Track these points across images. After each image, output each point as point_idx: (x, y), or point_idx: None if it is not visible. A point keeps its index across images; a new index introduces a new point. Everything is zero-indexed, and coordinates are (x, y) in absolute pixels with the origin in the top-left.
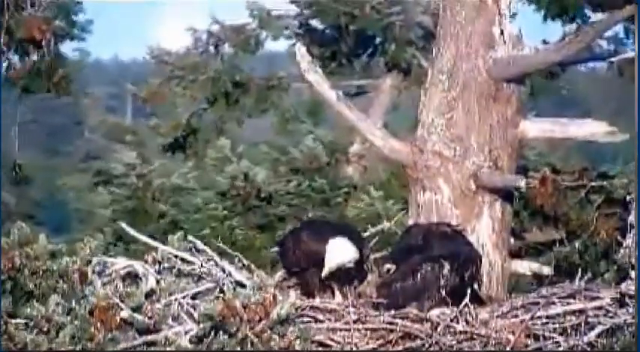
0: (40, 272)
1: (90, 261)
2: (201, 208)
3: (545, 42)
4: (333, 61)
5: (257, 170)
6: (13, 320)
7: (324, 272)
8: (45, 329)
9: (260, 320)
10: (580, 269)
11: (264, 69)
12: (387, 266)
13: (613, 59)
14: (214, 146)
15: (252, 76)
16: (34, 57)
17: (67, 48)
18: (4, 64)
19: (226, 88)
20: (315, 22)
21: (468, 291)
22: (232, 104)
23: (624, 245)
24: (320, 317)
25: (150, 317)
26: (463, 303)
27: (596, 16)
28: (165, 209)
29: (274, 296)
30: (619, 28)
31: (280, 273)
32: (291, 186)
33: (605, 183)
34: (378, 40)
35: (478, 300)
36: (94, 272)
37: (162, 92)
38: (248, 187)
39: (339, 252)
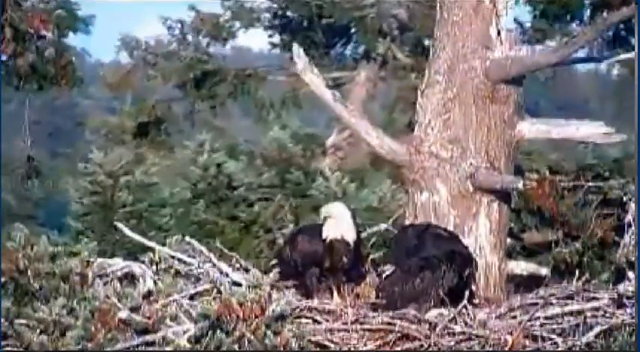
0: (43, 274)
1: (89, 263)
2: (169, 201)
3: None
4: (306, 52)
5: (229, 162)
6: (17, 321)
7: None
8: (50, 330)
9: (256, 318)
10: (578, 270)
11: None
12: (385, 268)
13: (609, 61)
14: (194, 140)
15: (226, 66)
16: (38, 47)
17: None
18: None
19: (197, 75)
20: (288, 14)
21: (467, 292)
22: (206, 92)
23: (621, 245)
24: (318, 318)
25: (148, 318)
26: (461, 304)
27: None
28: (131, 202)
29: (269, 294)
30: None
31: (276, 272)
32: (264, 178)
33: (602, 183)
34: (351, 31)
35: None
36: (93, 274)
37: (129, 79)
38: (220, 177)
39: (340, 210)
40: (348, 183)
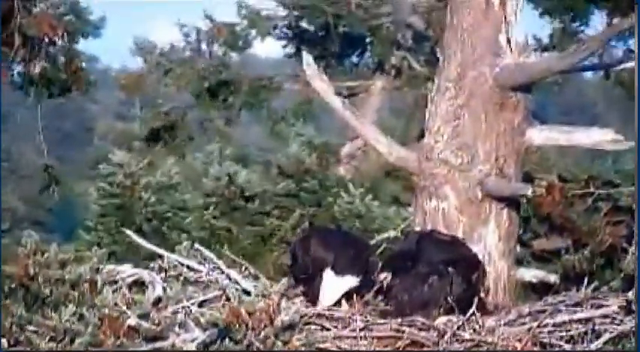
0: (52, 281)
1: (98, 269)
2: (188, 206)
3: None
4: (322, 62)
5: (240, 171)
6: (28, 327)
7: (318, 307)
8: (60, 337)
9: (265, 327)
10: (587, 278)
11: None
12: (383, 275)
13: (617, 68)
14: (203, 150)
15: (241, 75)
16: (48, 53)
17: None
18: (19, 66)
19: (212, 85)
20: (304, 23)
21: (475, 299)
22: (219, 102)
23: (630, 252)
24: (327, 324)
25: (157, 325)
26: (470, 311)
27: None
28: (151, 204)
29: (278, 304)
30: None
31: (284, 281)
32: (279, 187)
33: (612, 190)
34: (367, 41)
35: (484, 309)
36: (102, 280)
37: (142, 83)
38: (232, 188)
39: (335, 288)
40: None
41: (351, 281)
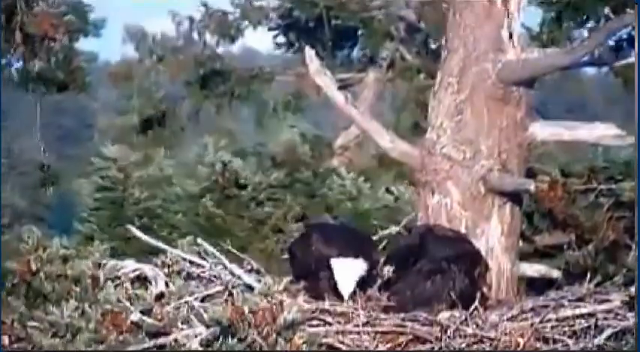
0: (54, 276)
1: (100, 265)
2: (181, 197)
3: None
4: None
5: (234, 160)
6: (29, 323)
7: (345, 297)
8: (62, 333)
9: (267, 326)
10: (589, 273)
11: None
12: (386, 268)
13: (619, 63)
14: (197, 143)
15: (233, 65)
16: (48, 51)
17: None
18: (19, 63)
19: (207, 72)
20: (296, 14)
21: (478, 294)
22: (210, 90)
23: (633, 247)
24: (329, 320)
25: (160, 320)
26: (473, 306)
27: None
28: (143, 198)
29: (281, 302)
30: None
31: (288, 278)
32: (272, 178)
33: (614, 186)
34: (359, 32)
35: (487, 304)
36: (104, 276)
37: (131, 71)
38: (227, 174)
39: (349, 272)
40: (363, 183)
41: (362, 264)
